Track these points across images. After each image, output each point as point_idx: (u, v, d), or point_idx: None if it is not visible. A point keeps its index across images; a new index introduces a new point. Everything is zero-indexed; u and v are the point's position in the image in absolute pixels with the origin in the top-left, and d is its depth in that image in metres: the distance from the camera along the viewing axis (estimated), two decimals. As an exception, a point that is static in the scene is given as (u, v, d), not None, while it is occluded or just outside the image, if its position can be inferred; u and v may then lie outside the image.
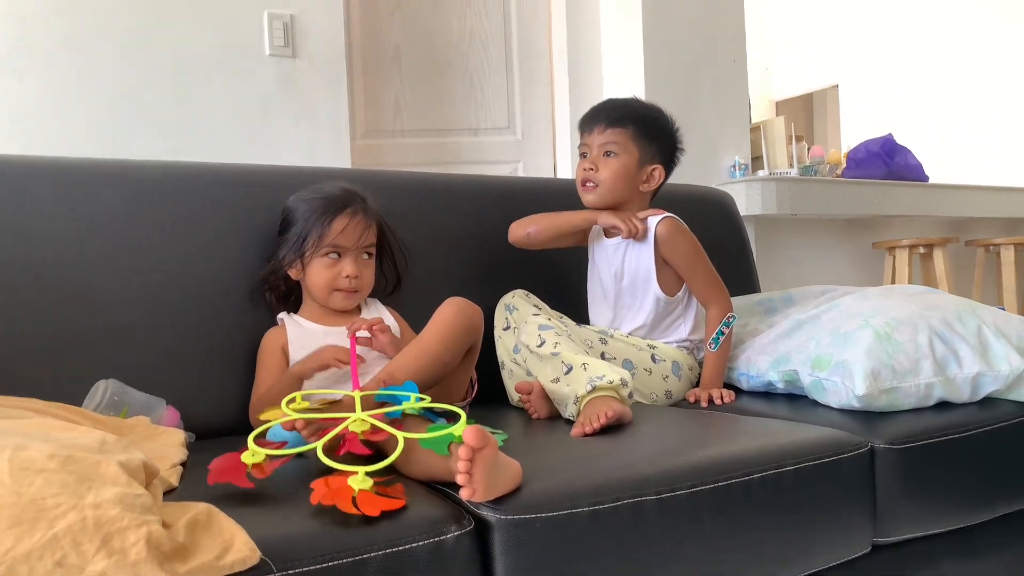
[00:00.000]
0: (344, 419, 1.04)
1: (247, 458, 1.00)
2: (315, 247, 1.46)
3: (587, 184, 1.68)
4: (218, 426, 1.44)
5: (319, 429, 1.06)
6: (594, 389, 1.37)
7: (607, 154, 1.65)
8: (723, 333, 1.68)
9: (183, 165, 1.60)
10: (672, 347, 1.71)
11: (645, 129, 1.67)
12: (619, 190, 1.67)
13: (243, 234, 1.55)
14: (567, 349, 1.47)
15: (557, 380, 1.44)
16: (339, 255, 1.47)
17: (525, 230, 1.72)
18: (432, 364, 1.27)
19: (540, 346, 1.49)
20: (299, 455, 1.04)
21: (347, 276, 1.47)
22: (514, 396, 1.62)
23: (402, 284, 1.64)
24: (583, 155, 1.70)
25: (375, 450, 1.10)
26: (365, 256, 1.51)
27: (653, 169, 1.69)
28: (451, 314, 1.33)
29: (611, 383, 1.38)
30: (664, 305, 1.71)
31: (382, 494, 0.92)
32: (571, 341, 1.50)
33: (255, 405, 1.40)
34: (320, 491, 0.90)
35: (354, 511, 0.88)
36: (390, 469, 1.04)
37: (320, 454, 0.97)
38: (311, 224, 1.46)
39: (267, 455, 0.99)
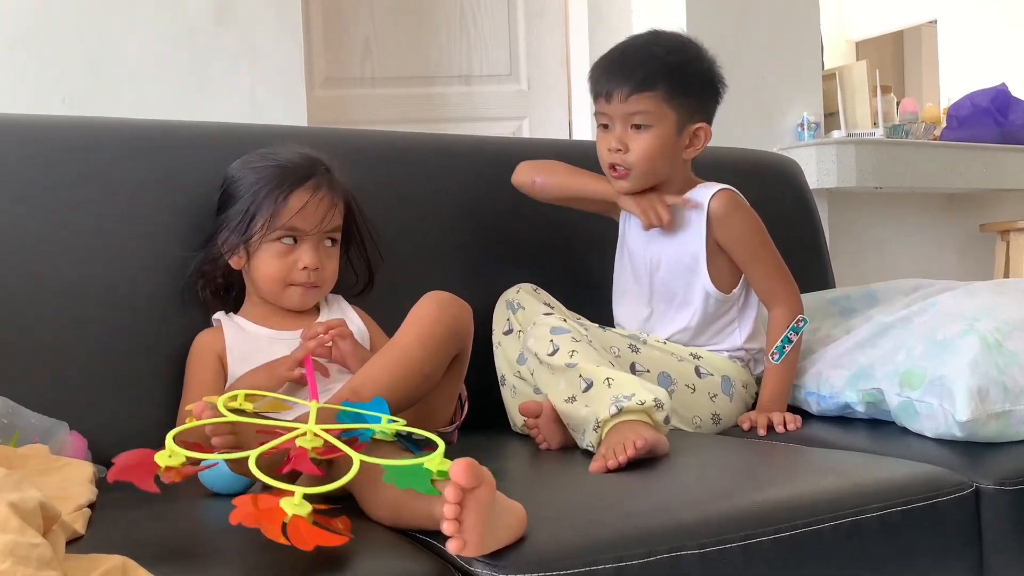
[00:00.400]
0: (292, 429, 1.04)
1: (161, 459, 1.01)
2: (265, 230, 1.46)
3: (616, 168, 1.68)
4: (136, 458, 1.43)
5: (241, 443, 1.07)
6: (620, 411, 1.37)
7: (636, 127, 1.65)
8: (790, 341, 1.69)
9: (86, 121, 1.60)
10: (722, 357, 1.71)
11: (679, 82, 1.65)
12: (658, 169, 1.68)
13: (167, 211, 1.55)
14: (587, 359, 1.48)
15: (573, 399, 1.44)
16: (295, 240, 1.48)
17: (532, 177, 1.78)
18: (409, 376, 1.25)
19: (553, 355, 1.50)
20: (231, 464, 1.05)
21: (304, 267, 1.47)
22: (518, 420, 1.62)
23: (375, 280, 1.64)
24: (604, 127, 1.69)
25: (327, 473, 1.10)
26: (328, 243, 1.51)
27: (696, 129, 1.68)
28: (431, 312, 1.31)
29: (642, 404, 1.38)
30: (715, 304, 1.71)
31: (321, 525, 0.92)
32: (592, 349, 1.51)
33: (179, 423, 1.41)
34: (244, 509, 0.90)
35: (282, 540, 0.88)
36: (339, 499, 1.04)
37: (252, 465, 0.97)
38: (261, 199, 1.46)
39: (188, 457, 1.00)
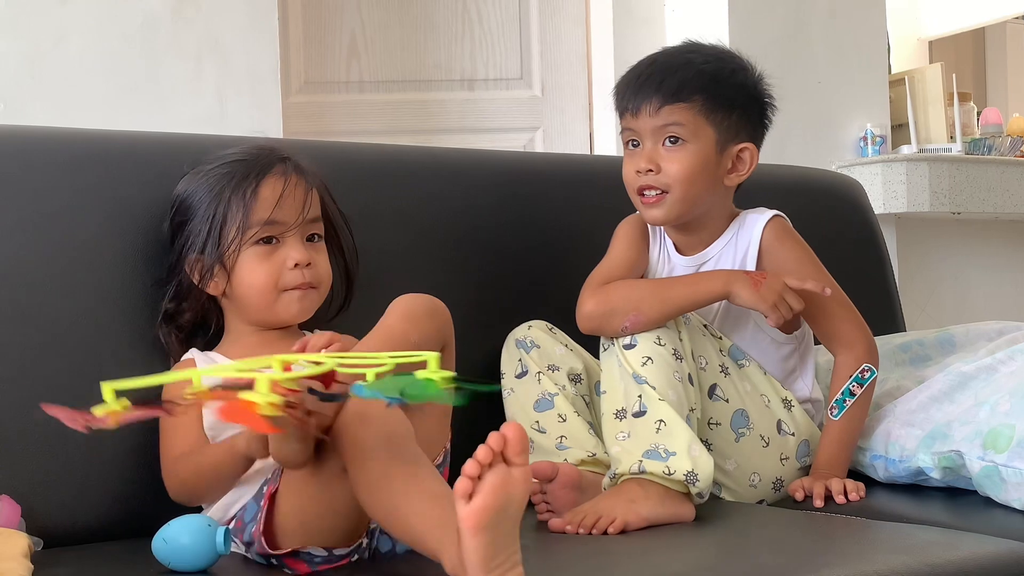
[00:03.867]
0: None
1: (100, 411, 1.07)
2: (240, 233, 1.46)
3: (646, 193, 1.67)
4: (80, 528, 1.44)
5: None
6: (643, 472, 1.41)
7: (670, 140, 1.66)
8: (852, 394, 1.68)
9: (19, 131, 1.61)
10: (806, 416, 1.72)
11: (720, 95, 1.66)
12: (698, 194, 1.66)
13: (113, 238, 1.55)
14: (659, 378, 1.52)
15: (623, 415, 1.51)
16: (275, 240, 1.48)
17: (617, 323, 1.60)
18: (397, 347, 1.30)
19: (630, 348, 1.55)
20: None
21: (296, 264, 1.47)
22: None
23: (353, 298, 1.63)
24: (632, 144, 1.69)
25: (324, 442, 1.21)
26: (311, 239, 1.53)
27: (740, 149, 1.68)
28: (406, 297, 1.44)
29: (668, 474, 1.41)
30: (777, 350, 1.72)
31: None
32: (675, 379, 1.54)
33: (168, 471, 1.42)
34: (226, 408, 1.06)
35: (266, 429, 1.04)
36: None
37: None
38: (227, 200, 1.46)
39: (128, 407, 1.08)
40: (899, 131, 3.76)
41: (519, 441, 1.06)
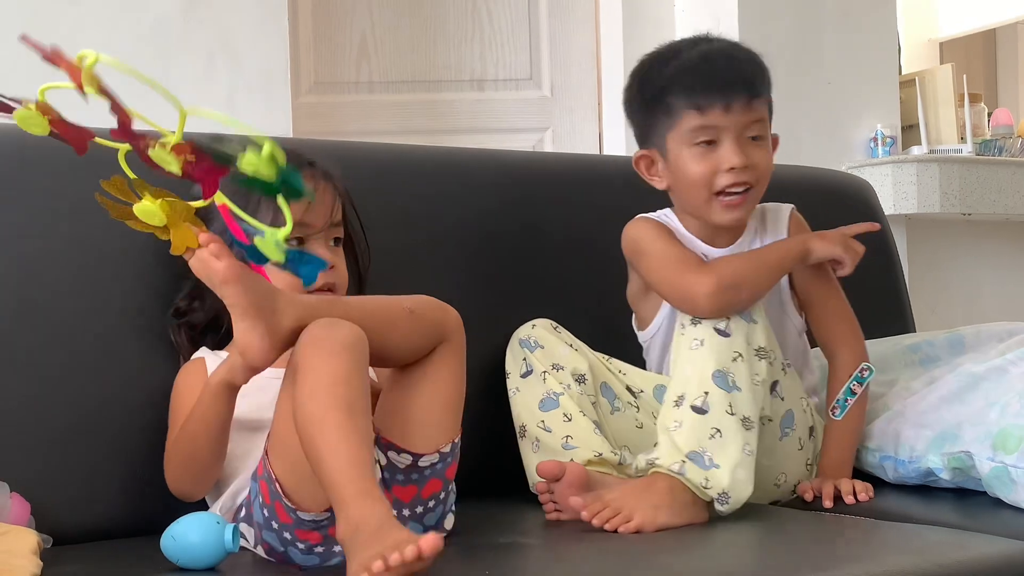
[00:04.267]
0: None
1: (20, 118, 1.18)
2: None
3: (733, 192, 1.62)
4: (89, 526, 1.44)
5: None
6: (681, 475, 1.43)
7: (752, 137, 1.64)
8: (853, 393, 1.68)
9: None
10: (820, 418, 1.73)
11: (770, 89, 1.69)
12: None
13: (119, 239, 1.55)
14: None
15: (681, 400, 1.50)
16: (301, 241, 1.50)
17: (734, 300, 1.55)
18: (389, 305, 1.37)
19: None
20: None
21: None
22: (536, 479, 1.62)
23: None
24: (707, 143, 1.63)
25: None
26: (336, 243, 1.55)
27: (774, 140, 1.72)
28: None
29: (706, 487, 1.43)
30: (798, 340, 1.74)
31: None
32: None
33: (168, 458, 1.43)
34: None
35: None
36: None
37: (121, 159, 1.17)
38: (256, 199, 1.47)
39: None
40: (909, 132, 3.76)
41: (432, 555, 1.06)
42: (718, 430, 1.47)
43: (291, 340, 1.27)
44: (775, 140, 1.72)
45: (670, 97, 1.64)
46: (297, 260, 1.25)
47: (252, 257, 1.21)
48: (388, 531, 1.09)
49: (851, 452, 1.69)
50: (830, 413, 1.69)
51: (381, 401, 1.41)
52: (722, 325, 1.52)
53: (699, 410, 1.48)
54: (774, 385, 1.59)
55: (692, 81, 1.63)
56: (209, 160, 1.15)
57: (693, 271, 1.58)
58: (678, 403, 1.50)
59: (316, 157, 1.57)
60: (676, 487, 1.45)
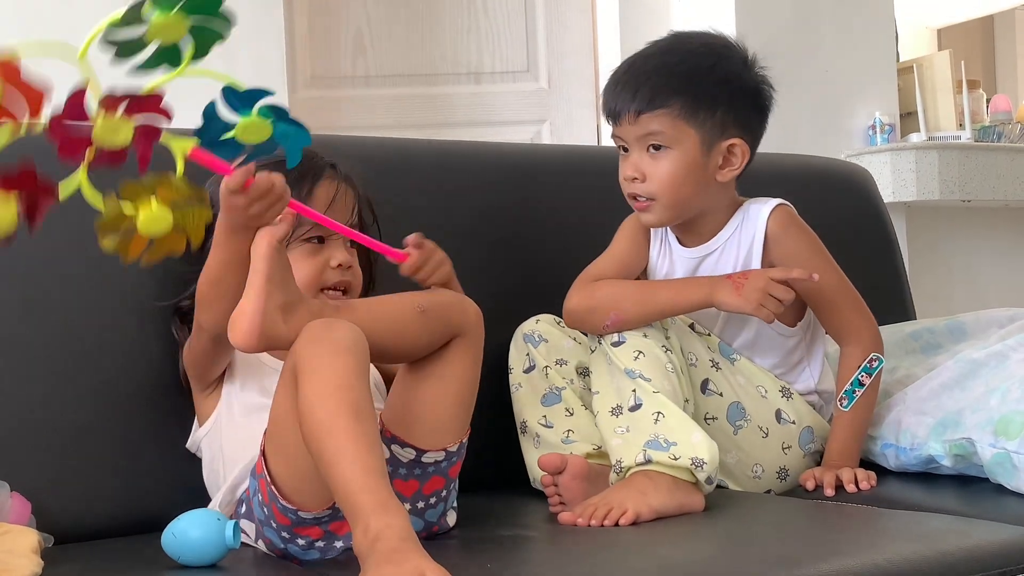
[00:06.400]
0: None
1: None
2: (294, 228, 1.46)
3: (638, 199, 1.66)
4: (90, 524, 1.45)
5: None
6: (648, 462, 1.42)
7: (653, 148, 1.63)
8: (861, 384, 1.68)
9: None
10: (807, 405, 1.72)
11: (699, 94, 1.63)
12: (687, 198, 1.64)
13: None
14: (652, 370, 1.53)
15: (619, 411, 1.51)
16: (320, 240, 1.51)
17: (599, 321, 1.61)
18: (401, 303, 1.37)
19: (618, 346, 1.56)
20: None
21: (338, 265, 1.50)
22: (539, 474, 1.62)
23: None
24: (623, 149, 1.67)
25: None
26: (352, 243, 1.55)
27: (729, 145, 1.66)
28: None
29: (674, 459, 1.42)
30: (783, 342, 1.72)
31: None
32: (668, 371, 1.55)
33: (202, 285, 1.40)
34: None
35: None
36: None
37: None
38: None
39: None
40: (908, 119, 3.76)
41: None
42: (659, 412, 1.49)
43: (283, 341, 1.27)
44: (737, 147, 1.64)
45: (603, 104, 1.70)
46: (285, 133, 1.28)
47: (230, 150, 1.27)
48: (407, 554, 1.08)
49: (857, 442, 1.69)
50: (838, 403, 1.68)
51: (391, 392, 1.42)
52: (616, 339, 1.58)
53: (635, 407, 1.51)
54: (705, 384, 1.63)
55: (605, 90, 1.70)
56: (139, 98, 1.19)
57: (581, 282, 1.68)
58: (615, 412, 1.53)
59: (338, 159, 1.58)
60: (652, 476, 1.45)
